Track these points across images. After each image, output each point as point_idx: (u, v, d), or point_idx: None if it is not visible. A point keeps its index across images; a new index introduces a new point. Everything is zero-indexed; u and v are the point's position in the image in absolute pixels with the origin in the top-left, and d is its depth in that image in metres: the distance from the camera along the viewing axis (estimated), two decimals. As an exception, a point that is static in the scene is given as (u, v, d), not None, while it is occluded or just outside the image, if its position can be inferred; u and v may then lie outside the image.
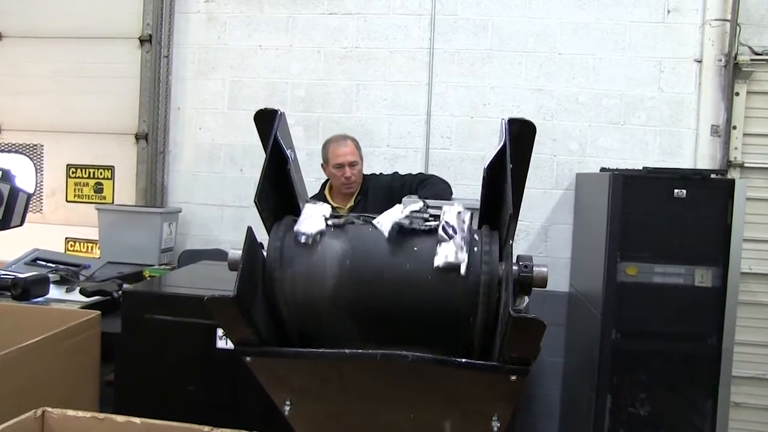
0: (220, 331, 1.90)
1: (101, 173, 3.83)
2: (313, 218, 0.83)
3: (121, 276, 2.84)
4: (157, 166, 3.69)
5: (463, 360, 0.75)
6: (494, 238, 0.79)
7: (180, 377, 1.96)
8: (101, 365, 2.02)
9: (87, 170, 3.84)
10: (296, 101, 3.58)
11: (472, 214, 0.80)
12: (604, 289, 2.65)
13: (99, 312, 2.00)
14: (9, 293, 2.40)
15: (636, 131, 3.33)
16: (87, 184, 3.84)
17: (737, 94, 3.23)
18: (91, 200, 3.80)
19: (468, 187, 3.17)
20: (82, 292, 2.51)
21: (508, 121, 0.79)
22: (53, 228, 3.82)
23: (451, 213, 0.79)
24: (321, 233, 0.83)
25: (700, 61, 3.28)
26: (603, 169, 3.03)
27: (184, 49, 3.70)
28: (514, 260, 0.78)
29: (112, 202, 3.79)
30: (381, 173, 3.08)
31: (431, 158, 3.46)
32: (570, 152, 3.37)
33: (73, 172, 3.85)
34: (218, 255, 3.37)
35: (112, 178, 3.82)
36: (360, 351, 0.76)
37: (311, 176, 3.20)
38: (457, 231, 0.76)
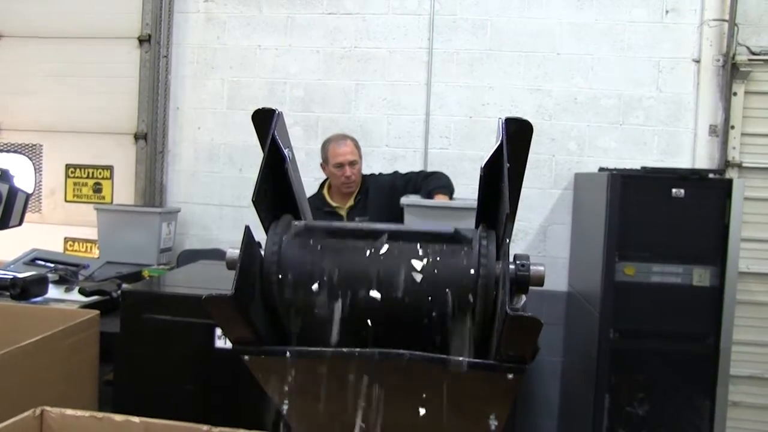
0: (219, 331, 1.90)
1: (100, 173, 3.83)
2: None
3: (120, 276, 2.84)
4: (156, 166, 3.69)
5: (460, 359, 0.76)
6: (491, 237, 0.80)
7: (179, 377, 1.96)
8: (100, 365, 2.02)
9: (86, 170, 3.84)
10: (295, 101, 3.58)
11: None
12: (602, 288, 2.66)
13: (98, 312, 2.00)
14: (8, 293, 2.40)
15: (634, 131, 3.34)
16: (86, 184, 3.84)
17: (735, 94, 3.24)
18: (90, 200, 3.80)
19: (466, 187, 3.18)
20: (81, 291, 2.52)
21: (505, 120, 0.80)
22: (52, 228, 3.82)
23: None
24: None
25: (698, 61, 3.29)
26: (601, 169, 3.04)
27: (183, 49, 3.70)
28: (511, 259, 0.78)
29: (111, 201, 3.79)
30: (380, 173, 3.09)
31: (430, 158, 3.47)
32: (568, 152, 3.38)
33: (72, 172, 3.86)
34: (217, 255, 3.37)
35: (111, 177, 3.82)
36: (357, 350, 0.77)
37: (310, 176, 3.20)
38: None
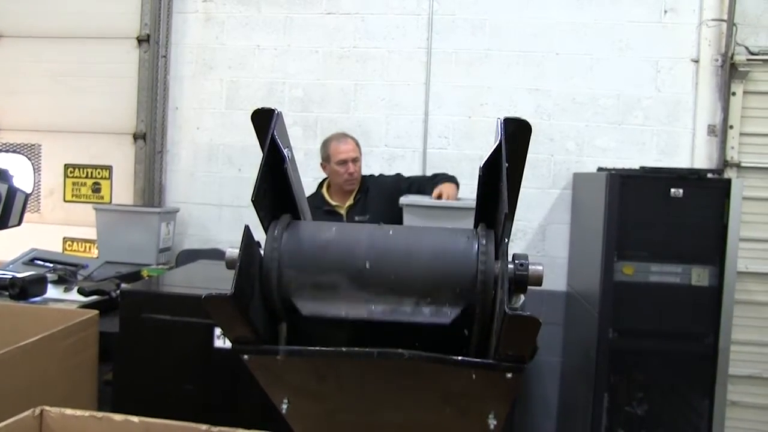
0: (218, 331, 1.90)
1: (99, 173, 3.83)
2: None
3: (119, 276, 2.84)
4: (155, 166, 3.69)
5: (459, 358, 0.76)
6: (490, 236, 0.80)
7: (178, 376, 1.96)
8: (99, 364, 2.02)
9: (85, 170, 3.84)
10: (294, 101, 3.58)
11: None
12: (601, 288, 2.66)
13: (97, 311, 2.00)
14: (7, 293, 2.40)
15: (633, 131, 3.34)
16: (85, 184, 3.84)
17: (734, 93, 3.24)
18: (89, 200, 3.80)
19: (465, 187, 3.17)
20: (80, 291, 2.52)
21: (504, 120, 0.80)
22: (51, 228, 3.82)
23: None
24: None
25: (697, 61, 3.29)
26: (600, 169, 3.05)
27: (181, 49, 3.70)
28: (510, 259, 0.79)
29: (110, 201, 3.79)
30: (381, 174, 3.08)
31: (429, 158, 3.47)
32: (567, 152, 3.38)
33: (71, 172, 3.86)
34: (216, 254, 3.37)
35: (110, 177, 3.82)
36: (356, 349, 0.77)
37: (309, 176, 3.20)
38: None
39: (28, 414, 1.25)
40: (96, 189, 3.83)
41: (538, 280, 0.79)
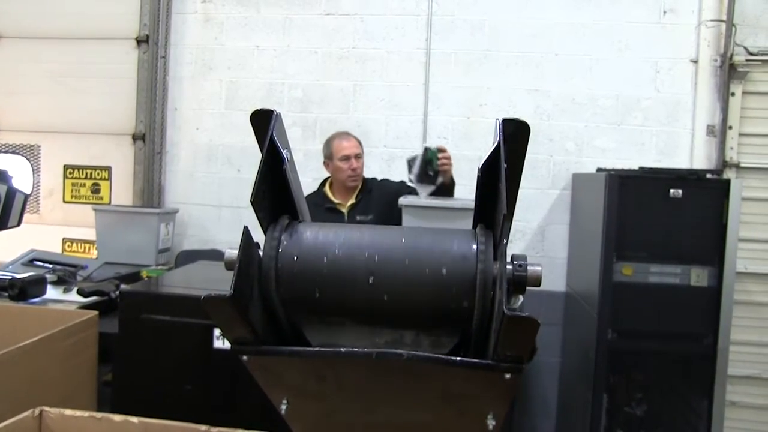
0: (217, 331, 1.90)
1: (98, 174, 3.83)
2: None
3: (119, 276, 2.84)
4: (154, 167, 3.69)
5: (458, 358, 0.76)
6: (489, 237, 0.80)
7: (177, 377, 1.96)
8: (99, 365, 2.02)
9: (84, 171, 3.84)
10: (293, 102, 3.59)
11: None
12: (600, 288, 2.66)
13: (96, 312, 2.00)
14: (6, 294, 2.40)
15: (632, 131, 3.35)
16: (84, 185, 3.84)
17: (733, 94, 3.25)
18: (88, 201, 3.80)
19: (464, 187, 3.17)
20: (80, 292, 2.52)
21: (503, 121, 0.80)
22: (50, 228, 3.82)
23: None
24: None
25: (696, 62, 3.30)
26: (599, 170, 3.05)
27: (181, 50, 3.70)
28: (509, 259, 0.79)
29: (109, 202, 3.79)
30: (385, 179, 3.08)
31: (428, 158, 3.46)
32: (566, 152, 3.39)
33: (70, 173, 3.86)
34: (216, 255, 3.37)
35: (109, 178, 3.82)
36: (355, 349, 0.77)
37: (308, 176, 3.20)
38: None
39: (27, 414, 1.25)
40: (95, 190, 3.83)
41: (536, 281, 0.79)
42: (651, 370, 2.69)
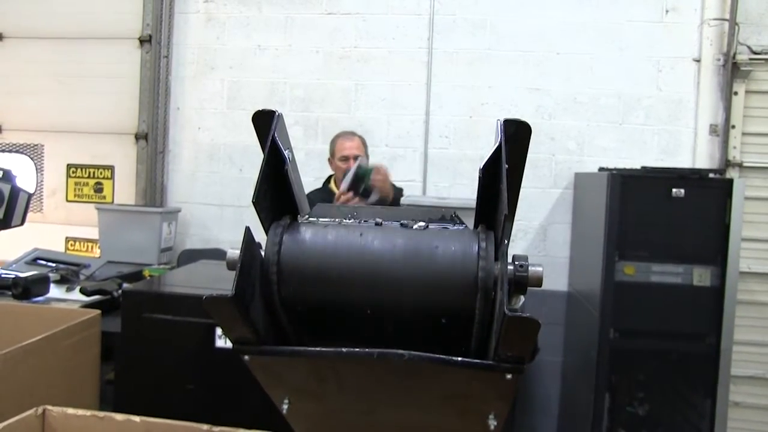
0: (219, 331, 1.91)
1: (101, 173, 3.84)
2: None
3: (121, 275, 2.85)
4: (156, 166, 3.70)
5: (459, 359, 0.76)
6: (490, 238, 0.80)
7: (179, 376, 1.97)
8: (101, 364, 2.03)
9: (87, 170, 3.85)
10: (295, 101, 3.59)
11: None
12: (602, 288, 2.66)
13: (99, 311, 2.01)
14: (10, 292, 2.41)
15: (634, 130, 3.34)
16: (87, 184, 3.85)
17: (736, 93, 3.24)
18: (91, 200, 3.81)
19: (466, 187, 3.19)
20: (82, 291, 2.52)
21: (504, 121, 0.80)
22: (53, 227, 3.83)
23: None
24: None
25: (698, 61, 3.29)
26: (601, 169, 3.04)
27: (183, 49, 3.71)
28: (510, 260, 0.79)
29: (112, 201, 3.80)
30: (393, 185, 3.08)
31: (430, 158, 3.47)
32: (568, 152, 3.38)
33: (73, 172, 3.86)
34: (218, 254, 3.38)
35: (112, 177, 3.83)
36: (356, 350, 0.77)
37: (310, 176, 3.21)
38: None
39: (30, 413, 1.25)
40: (98, 189, 3.84)
41: (538, 281, 0.79)
42: (653, 369, 2.68)
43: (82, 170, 3.86)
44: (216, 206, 3.69)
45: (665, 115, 3.32)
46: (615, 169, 2.89)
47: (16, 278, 2.43)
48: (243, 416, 1.59)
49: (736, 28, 3.21)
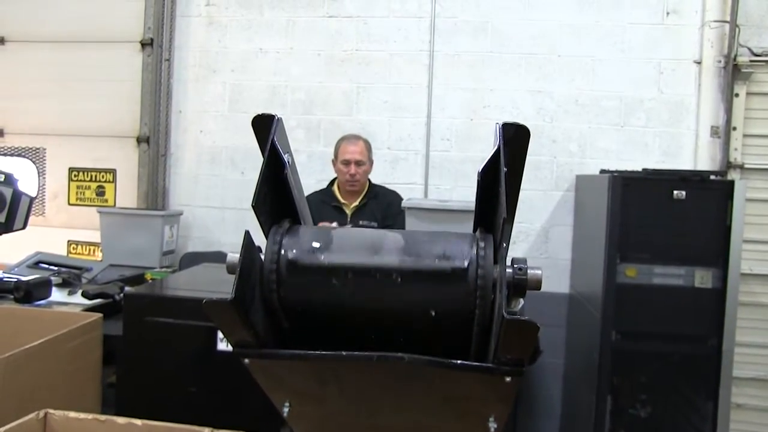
0: (221, 334, 1.91)
1: (103, 176, 3.84)
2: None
3: (123, 279, 2.86)
4: (158, 169, 3.71)
5: (458, 362, 0.76)
6: (489, 241, 0.80)
7: (181, 379, 1.97)
8: (103, 367, 2.03)
9: (89, 173, 3.86)
10: (297, 104, 3.59)
11: None
12: (603, 290, 2.65)
13: (101, 314, 2.01)
14: (12, 296, 2.41)
15: (636, 133, 3.34)
16: (89, 187, 3.86)
17: (737, 95, 3.23)
18: (93, 203, 3.81)
19: (468, 189, 3.19)
20: (84, 294, 2.53)
21: (503, 125, 0.80)
22: (55, 231, 3.84)
23: None
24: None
25: (699, 63, 3.29)
26: (603, 171, 3.04)
27: (185, 53, 3.72)
28: (509, 263, 0.79)
29: (114, 205, 3.81)
30: (395, 191, 3.08)
31: (431, 160, 3.47)
32: (570, 154, 3.38)
33: (75, 176, 3.87)
34: (220, 257, 3.37)
35: (114, 181, 3.83)
36: (356, 353, 0.77)
37: (312, 178, 3.22)
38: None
39: (32, 417, 1.25)
40: (100, 192, 3.84)
41: (537, 284, 0.79)
42: (655, 371, 2.67)
43: (84, 174, 3.86)
44: (218, 209, 3.70)
45: (666, 117, 3.32)
46: (616, 171, 2.88)
47: (18, 282, 2.43)
48: (244, 419, 1.59)
49: (737, 30, 3.21)
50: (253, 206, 0.80)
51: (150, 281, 2.88)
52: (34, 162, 3.85)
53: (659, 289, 2.65)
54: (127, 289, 2.42)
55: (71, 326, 1.84)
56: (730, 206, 2.59)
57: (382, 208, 2.92)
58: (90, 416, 1.28)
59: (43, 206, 3.89)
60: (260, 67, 3.63)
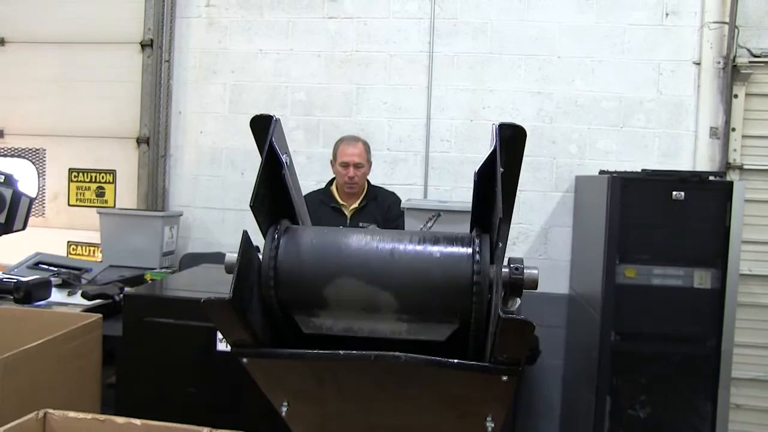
0: (220, 334, 1.91)
1: (103, 177, 3.85)
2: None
3: (123, 279, 2.86)
4: (158, 170, 3.71)
5: (454, 361, 0.76)
6: (485, 241, 0.81)
7: (181, 379, 1.97)
8: (102, 368, 2.03)
9: (89, 174, 3.86)
10: (297, 105, 3.60)
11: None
12: (603, 291, 2.66)
13: (100, 315, 2.01)
14: (11, 297, 2.41)
15: (635, 133, 3.35)
16: (89, 188, 3.86)
17: (736, 96, 3.24)
18: (93, 204, 3.82)
19: (467, 190, 3.16)
20: (84, 295, 2.53)
21: (499, 126, 0.81)
22: (55, 232, 3.84)
23: None
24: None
25: (698, 64, 3.29)
26: (602, 172, 3.04)
27: (185, 54, 3.72)
28: (505, 263, 0.79)
29: (114, 205, 3.81)
30: (394, 192, 3.08)
31: (431, 161, 3.48)
32: (569, 155, 3.39)
33: (75, 176, 3.88)
34: (219, 258, 3.32)
35: (114, 181, 3.84)
36: (354, 352, 0.78)
37: (311, 179, 3.22)
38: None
39: (31, 417, 1.26)
40: (100, 193, 3.85)
41: (533, 284, 0.79)
42: (654, 372, 2.68)
43: (84, 174, 3.87)
44: (218, 210, 3.70)
45: (666, 118, 3.33)
46: (616, 172, 2.89)
47: (18, 282, 2.43)
48: (244, 419, 1.59)
49: (736, 31, 3.22)
50: (251, 206, 0.81)
51: (150, 282, 2.88)
52: (34, 163, 3.86)
53: (658, 290, 2.65)
54: (127, 289, 2.42)
55: (71, 327, 1.85)
56: (729, 207, 2.59)
57: (383, 210, 2.92)
58: (89, 416, 1.28)
59: (43, 207, 3.89)
60: (260, 68, 3.64)
